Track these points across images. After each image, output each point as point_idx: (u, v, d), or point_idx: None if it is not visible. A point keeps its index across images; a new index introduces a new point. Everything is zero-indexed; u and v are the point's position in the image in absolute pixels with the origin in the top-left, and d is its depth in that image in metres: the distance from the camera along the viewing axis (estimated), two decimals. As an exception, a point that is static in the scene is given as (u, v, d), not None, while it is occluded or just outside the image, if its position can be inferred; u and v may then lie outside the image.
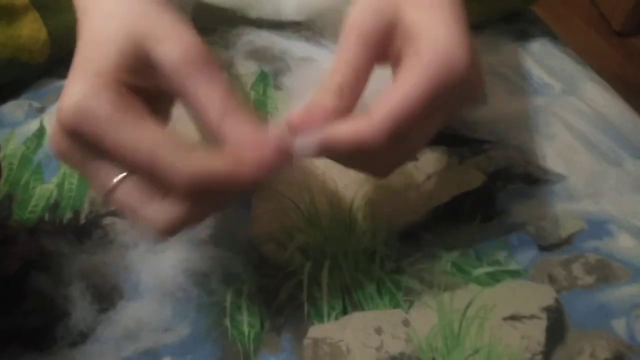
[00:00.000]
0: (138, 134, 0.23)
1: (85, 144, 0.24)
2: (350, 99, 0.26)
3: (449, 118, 0.28)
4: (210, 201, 0.25)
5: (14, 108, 0.42)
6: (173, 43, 0.24)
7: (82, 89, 0.23)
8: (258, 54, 0.45)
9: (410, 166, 0.38)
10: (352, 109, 0.26)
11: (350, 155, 0.26)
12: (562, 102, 0.43)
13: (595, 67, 0.48)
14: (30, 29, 0.41)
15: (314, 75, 0.40)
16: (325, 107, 0.26)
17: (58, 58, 0.43)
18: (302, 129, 0.25)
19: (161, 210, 0.24)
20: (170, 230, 0.24)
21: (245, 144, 0.24)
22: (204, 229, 0.34)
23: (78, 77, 0.24)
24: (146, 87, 0.25)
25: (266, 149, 0.24)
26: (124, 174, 0.24)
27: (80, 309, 0.29)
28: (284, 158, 0.25)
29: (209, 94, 0.24)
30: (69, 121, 0.23)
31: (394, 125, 0.24)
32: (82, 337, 0.29)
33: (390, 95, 0.25)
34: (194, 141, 0.27)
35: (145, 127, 0.23)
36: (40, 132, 0.40)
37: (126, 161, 0.23)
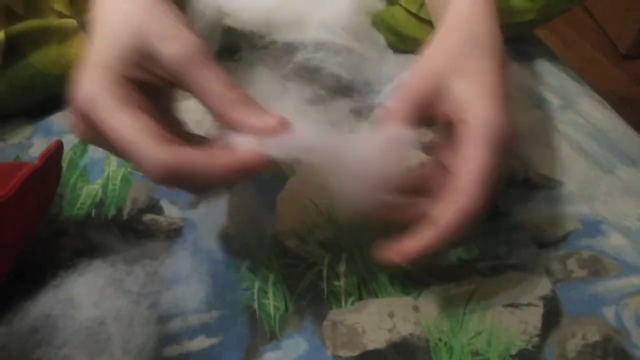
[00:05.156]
0: (124, 122, 0.26)
1: (94, 125, 0.27)
2: None
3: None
4: (185, 186, 0.29)
5: (62, 118, 0.47)
6: (175, 42, 0.27)
7: (89, 80, 0.27)
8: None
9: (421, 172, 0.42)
10: None
11: None
12: (560, 116, 0.47)
13: (602, 89, 0.51)
14: (79, 49, 0.46)
15: None
16: None
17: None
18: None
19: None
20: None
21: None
22: (235, 226, 0.38)
23: (88, 68, 0.28)
24: (147, 80, 0.28)
25: (240, 155, 0.27)
26: None
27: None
28: (258, 165, 0.27)
29: (209, 87, 0.27)
30: (79, 107, 0.27)
31: (458, 230, 0.30)
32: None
33: (453, 201, 0.30)
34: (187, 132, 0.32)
35: (133, 117, 0.26)
36: (86, 140, 0.45)
37: (115, 145, 0.27)
